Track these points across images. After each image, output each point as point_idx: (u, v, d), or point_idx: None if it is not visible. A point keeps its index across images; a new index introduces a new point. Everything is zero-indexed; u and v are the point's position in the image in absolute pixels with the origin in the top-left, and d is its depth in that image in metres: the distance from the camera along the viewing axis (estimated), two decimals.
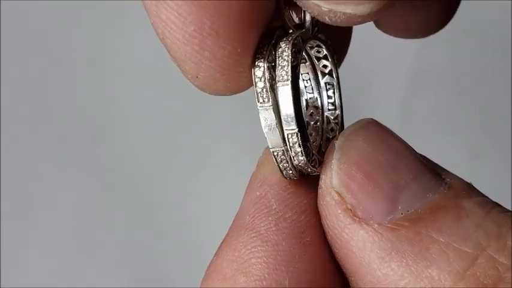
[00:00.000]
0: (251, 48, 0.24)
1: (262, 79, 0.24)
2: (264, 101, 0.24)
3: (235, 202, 0.26)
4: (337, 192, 0.24)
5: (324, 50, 0.27)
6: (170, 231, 0.63)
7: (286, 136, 0.24)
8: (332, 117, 0.28)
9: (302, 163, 0.25)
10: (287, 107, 0.24)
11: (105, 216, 0.63)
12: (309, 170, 0.25)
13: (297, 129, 0.24)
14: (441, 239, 0.23)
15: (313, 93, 0.28)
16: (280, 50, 0.24)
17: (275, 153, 0.25)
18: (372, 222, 0.23)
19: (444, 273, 0.22)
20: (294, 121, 0.24)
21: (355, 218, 0.23)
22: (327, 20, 0.22)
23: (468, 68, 0.63)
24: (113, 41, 0.64)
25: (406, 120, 0.62)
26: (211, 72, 0.24)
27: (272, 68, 0.24)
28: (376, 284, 0.23)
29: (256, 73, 0.24)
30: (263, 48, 0.24)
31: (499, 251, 0.22)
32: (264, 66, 0.24)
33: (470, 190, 0.24)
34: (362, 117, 0.26)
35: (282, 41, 0.25)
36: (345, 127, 0.26)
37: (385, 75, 0.63)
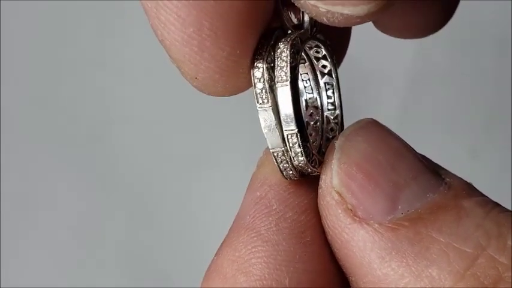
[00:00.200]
0: (250, 49, 0.24)
1: (262, 80, 0.24)
2: (263, 101, 0.24)
3: (236, 202, 0.26)
4: (338, 192, 0.24)
5: (323, 50, 0.27)
6: (170, 231, 0.63)
7: (286, 137, 0.24)
8: (332, 117, 0.28)
9: (302, 163, 0.25)
10: (286, 108, 0.24)
11: (105, 216, 0.63)
12: (309, 170, 0.25)
13: (296, 130, 0.24)
14: (441, 239, 0.23)
15: (312, 93, 0.28)
16: (279, 50, 0.24)
17: (275, 154, 0.25)
18: (372, 222, 0.23)
19: (444, 273, 0.22)
20: (294, 121, 0.24)
21: (355, 217, 0.23)
22: (324, 20, 0.22)
23: (468, 68, 0.63)
24: (114, 42, 0.64)
25: (405, 120, 0.62)
26: (210, 73, 0.24)
27: (271, 69, 0.24)
28: (376, 284, 0.23)
29: (255, 74, 0.24)
30: (262, 49, 0.24)
31: (499, 250, 0.22)
32: (263, 67, 0.24)
33: (470, 190, 0.24)
34: (361, 118, 0.26)
35: (280, 42, 0.25)
36: (345, 127, 0.26)
37: (384, 75, 0.63)
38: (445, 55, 0.63)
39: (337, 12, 0.22)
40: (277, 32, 0.25)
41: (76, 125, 0.63)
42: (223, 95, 0.25)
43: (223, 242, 0.25)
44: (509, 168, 0.60)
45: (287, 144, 0.24)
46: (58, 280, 0.62)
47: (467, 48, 0.63)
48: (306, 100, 0.28)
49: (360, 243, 0.23)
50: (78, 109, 0.63)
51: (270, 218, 0.24)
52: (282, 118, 0.24)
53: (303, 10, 0.23)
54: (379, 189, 0.23)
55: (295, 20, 0.26)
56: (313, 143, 0.27)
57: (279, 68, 0.24)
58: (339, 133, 0.27)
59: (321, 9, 0.22)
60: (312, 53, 0.28)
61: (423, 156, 0.25)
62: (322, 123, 0.28)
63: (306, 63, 0.28)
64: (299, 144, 0.24)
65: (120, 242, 0.63)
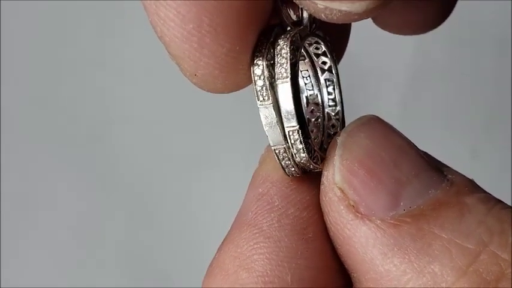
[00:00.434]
0: (250, 45, 0.24)
1: (262, 77, 0.24)
2: (264, 99, 0.24)
3: (236, 202, 0.26)
4: (340, 189, 0.24)
5: (323, 46, 0.27)
6: (170, 231, 0.63)
7: (287, 133, 0.24)
8: (333, 114, 0.28)
9: (304, 160, 0.25)
10: (287, 104, 0.24)
11: (105, 216, 0.63)
12: (311, 166, 0.25)
13: (297, 126, 0.24)
14: (443, 235, 0.23)
15: (313, 90, 0.28)
16: (278, 47, 0.24)
17: (277, 151, 0.25)
18: (374, 218, 0.23)
19: (447, 269, 0.22)
20: (295, 118, 0.24)
21: (357, 214, 0.23)
22: (323, 17, 0.22)
23: (468, 68, 0.63)
24: (114, 42, 0.64)
25: (405, 117, 0.62)
26: (209, 70, 0.24)
27: (271, 66, 0.24)
28: (378, 280, 0.23)
29: (255, 71, 0.24)
30: (261, 46, 0.24)
31: (501, 247, 0.22)
32: (263, 65, 0.24)
33: (472, 187, 0.24)
34: (361, 114, 0.26)
35: (280, 39, 0.24)
36: (346, 123, 0.26)
37: (384, 72, 0.63)
38: (444, 52, 0.63)
39: (335, 9, 0.22)
40: (277, 29, 0.25)
41: (76, 125, 0.63)
42: (223, 92, 0.25)
43: (225, 238, 0.25)
44: (509, 168, 0.60)
45: (289, 141, 0.24)
46: (58, 280, 0.61)
47: (467, 48, 0.63)
48: (306, 97, 0.28)
49: (362, 239, 0.23)
50: (78, 109, 0.63)
51: (272, 215, 0.24)
52: (283, 115, 0.24)
53: (302, 7, 0.23)
54: (381, 186, 0.23)
55: (294, 17, 0.26)
56: (314, 139, 0.27)
57: (279, 65, 0.24)
58: (340, 129, 0.27)
59: (319, 5, 0.22)
60: (311, 49, 0.28)
61: (425, 153, 0.25)
62: (324, 119, 0.28)
63: (306, 60, 0.28)
64: (301, 141, 0.24)
65: (120, 242, 0.63)
